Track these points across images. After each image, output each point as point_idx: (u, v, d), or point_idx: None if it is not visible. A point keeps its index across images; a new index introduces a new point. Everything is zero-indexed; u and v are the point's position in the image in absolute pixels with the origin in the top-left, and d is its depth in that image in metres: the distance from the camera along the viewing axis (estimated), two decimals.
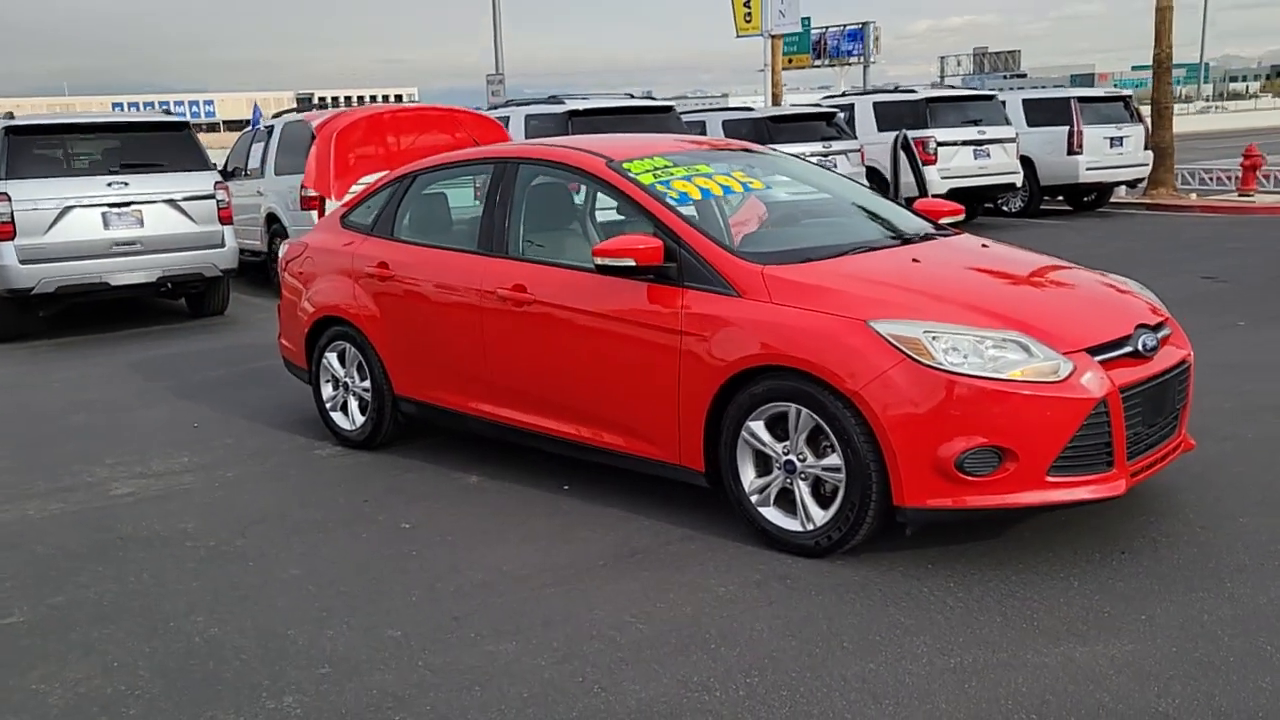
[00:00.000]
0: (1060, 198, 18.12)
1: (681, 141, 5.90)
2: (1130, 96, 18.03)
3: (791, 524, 4.27)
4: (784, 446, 4.23)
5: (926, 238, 5.01)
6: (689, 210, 4.72)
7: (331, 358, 6.13)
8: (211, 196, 10.32)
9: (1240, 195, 18.37)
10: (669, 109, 13.18)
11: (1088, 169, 16.67)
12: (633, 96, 13.50)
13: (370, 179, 6.46)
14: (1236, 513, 4.47)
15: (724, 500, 4.56)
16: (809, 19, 44.46)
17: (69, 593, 4.30)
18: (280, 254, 6.68)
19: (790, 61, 47.10)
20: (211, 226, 10.33)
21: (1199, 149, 27.76)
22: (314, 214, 11.43)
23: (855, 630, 3.63)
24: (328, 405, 6.20)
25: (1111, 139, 16.86)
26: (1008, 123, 16.11)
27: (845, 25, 46.40)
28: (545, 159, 5.32)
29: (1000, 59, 66.99)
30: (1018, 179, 16.04)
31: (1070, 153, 16.53)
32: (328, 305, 6.02)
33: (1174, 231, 15.05)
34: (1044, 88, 22.43)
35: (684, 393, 4.47)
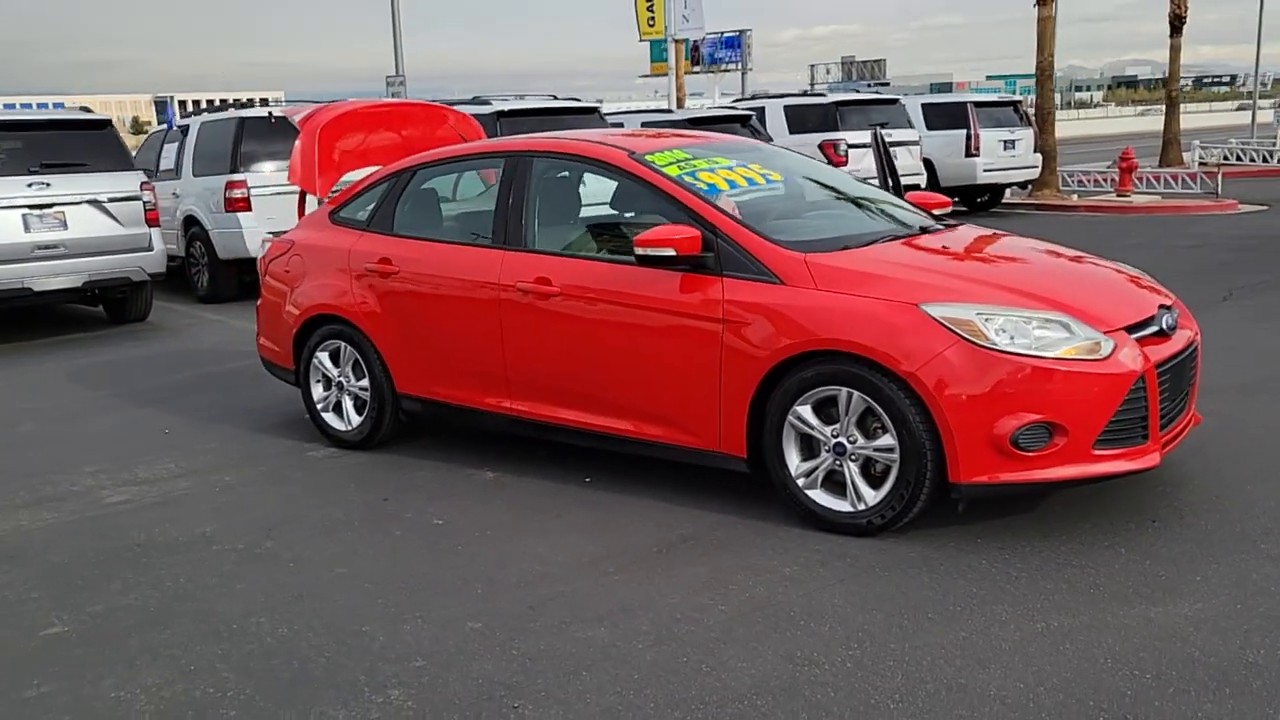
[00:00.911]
0: (956, 199, 18.80)
1: (689, 135, 5.96)
2: (1020, 102, 18.88)
3: (841, 505, 4.38)
4: (833, 430, 4.34)
5: (938, 228, 5.19)
6: (721, 201, 4.79)
7: (323, 357, 5.99)
8: (138, 198, 9.94)
9: (1119, 195, 19.40)
10: (594, 110, 13.24)
11: (984, 170, 17.39)
12: (556, 98, 13.49)
13: (354, 175, 6.34)
14: (1242, 481, 4.77)
15: (757, 485, 4.65)
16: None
17: (106, 600, 4.12)
18: (260, 253, 6.49)
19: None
20: (138, 229, 9.94)
21: (1065, 154, 29.11)
22: (241, 215, 11.14)
23: (933, 602, 3.76)
24: (319, 406, 6.06)
25: (1005, 142, 17.61)
26: (911, 126, 16.66)
27: (723, 33, 47.08)
28: (562, 152, 5.32)
29: (867, 67, 68.72)
30: (921, 180, 16.59)
31: (968, 155, 17.22)
32: (321, 303, 5.89)
33: (1070, 229, 15.75)
34: (908, 94, 23.21)
35: (725, 380, 4.53)
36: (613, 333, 4.83)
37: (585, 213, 5.52)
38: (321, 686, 3.40)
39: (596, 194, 5.44)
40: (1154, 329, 4.37)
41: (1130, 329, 4.27)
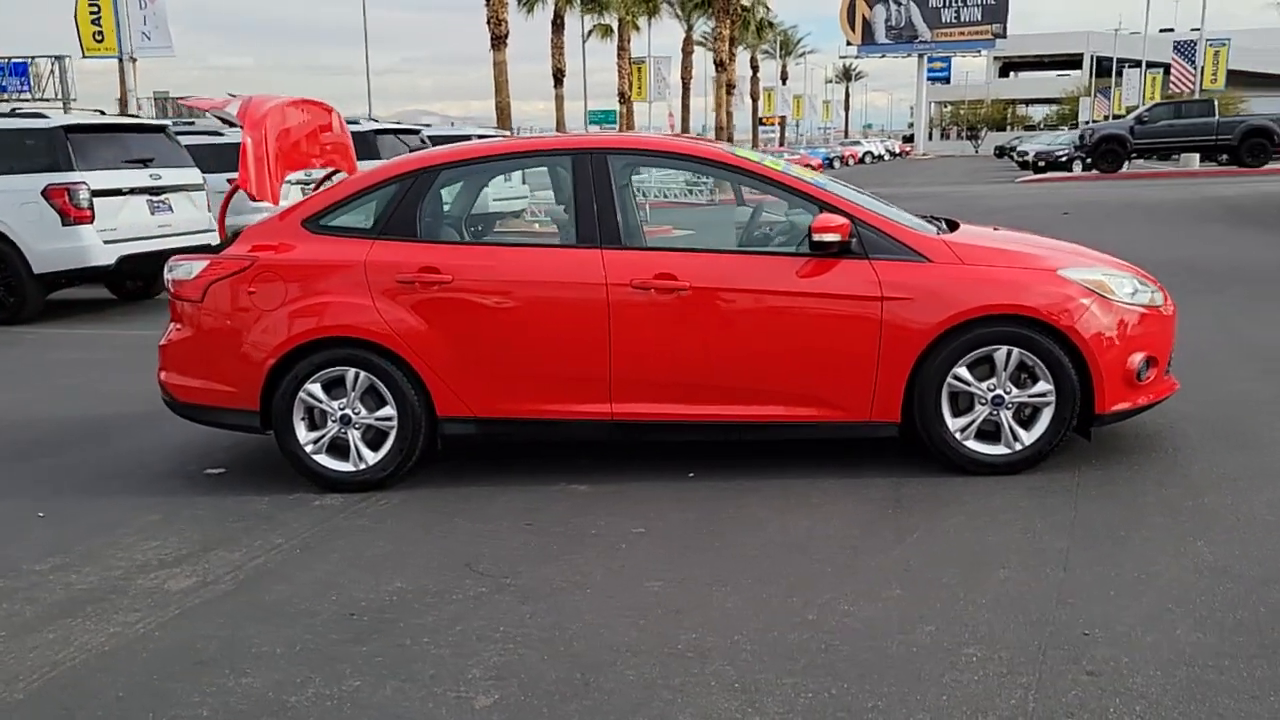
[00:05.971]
0: None
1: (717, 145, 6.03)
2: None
3: (996, 449, 5.01)
4: (988, 384, 4.96)
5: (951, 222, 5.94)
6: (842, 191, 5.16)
7: (315, 390, 5.10)
8: None
9: None
10: (162, 128, 11.86)
11: None
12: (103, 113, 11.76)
13: (302, 176, 5.43)
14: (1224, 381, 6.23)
15: (871, 450, 5.18)
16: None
17: (474, 663, 3.42)
18: (175, 275, 5.23)
19: None
20: None
21: None
22: None
23: (1162, 505, 4.57)
24: (308, 448, 5.13)
25: None
26: None
27: (10, 58, 42.26)
28: (652, 150, 5.28)
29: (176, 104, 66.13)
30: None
31: None
32: (324, 326, 5.01)
33: None
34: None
35: (885, 353, 4.92)
36: (762, 320, 4.93)
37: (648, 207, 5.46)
38: (887, 668, 3.31)
39: (669, 189, 5.42)
40: None
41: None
